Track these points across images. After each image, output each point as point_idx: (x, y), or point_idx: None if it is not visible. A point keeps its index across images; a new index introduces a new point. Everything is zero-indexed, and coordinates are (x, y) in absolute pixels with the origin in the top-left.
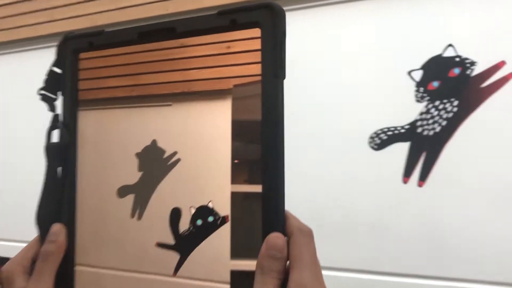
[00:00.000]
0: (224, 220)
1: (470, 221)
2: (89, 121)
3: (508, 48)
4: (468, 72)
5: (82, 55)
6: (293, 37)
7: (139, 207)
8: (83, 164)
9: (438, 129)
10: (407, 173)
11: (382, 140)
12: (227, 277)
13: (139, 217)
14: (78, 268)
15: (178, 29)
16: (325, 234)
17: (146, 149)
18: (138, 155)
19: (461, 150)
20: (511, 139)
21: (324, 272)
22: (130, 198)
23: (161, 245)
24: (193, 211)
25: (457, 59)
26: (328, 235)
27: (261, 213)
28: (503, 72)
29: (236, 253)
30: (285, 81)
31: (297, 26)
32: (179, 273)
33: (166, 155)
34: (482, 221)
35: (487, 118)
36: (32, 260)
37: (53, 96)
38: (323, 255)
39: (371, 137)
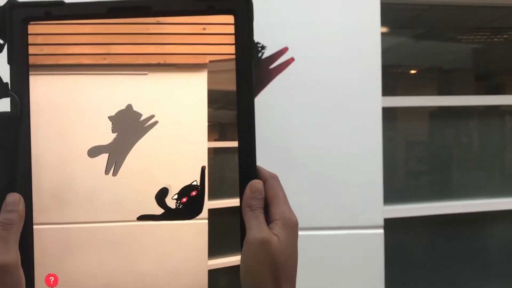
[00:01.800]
0: (203, 186)
1: None
2: (51, 88)
3: (290, 36)
4: (259, 54)
5: (37, 25)
6: None
7: (114, 164)
8: (46, 130)
9: None
10: None
11: None
12: (206, 215)
13: (114, 173)
14: (39, 228)
15: (153, 7)
16: None
17: (120, 112)
18: (111, 118)
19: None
20: (291, 113)
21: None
22: (103, 158)
23: (144, 217)
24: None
25: None
26: None
27: (238, 165)
28: (286, 56)
29: (213, 196)
30: None
31: None
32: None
33: (142, 118)
34: None
35: (273, 94)
36: None
37: None
38: None
39: None
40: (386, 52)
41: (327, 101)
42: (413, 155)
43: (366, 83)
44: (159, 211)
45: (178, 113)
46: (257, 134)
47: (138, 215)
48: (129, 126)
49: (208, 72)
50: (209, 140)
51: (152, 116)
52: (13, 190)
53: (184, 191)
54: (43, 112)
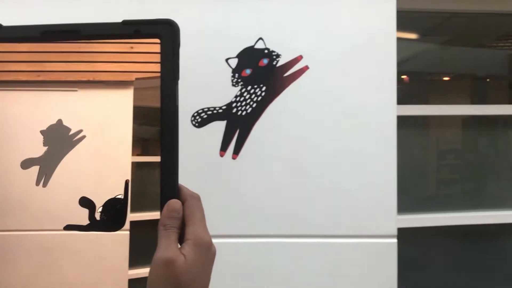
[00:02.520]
0: (126, 200)
1: (272, 188)
2: None
3: (305, 45)
4: (274, 62)
5: None
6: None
7: (44, 176)
8: None
9: (249, 110)
10: (223, 148)
11: (203, 118)
12: (128, 227)
13: (44, 185)
14: None
15: (82, 32)
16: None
17: (51, 127)
18: (42, 132)
19: (267, 129)
20: (305, 120)
21: None
22: (35, 169)
23: (70, 227)
24: (100, 209)
25: (266, 51)
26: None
27: (160, 183)
28: (300, 65)
29: (136, 208)
30: None
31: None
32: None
33: (71, 132)
34: (281, 188)
35: (287, 102)
36: None
37: None
38: None
39: (193, 116)
40: (415, 59)
41: (341, 109)
42: (442, 164)
43: (381, 91)
44: (85, 221)
45: (105, 128)
46: (271, 142)
47: (65, 225)
48: (59, 140)
49: (134, 89)
50: (133, 154)
51: (80, 131)
52: None
53: (109, 204)
54: None
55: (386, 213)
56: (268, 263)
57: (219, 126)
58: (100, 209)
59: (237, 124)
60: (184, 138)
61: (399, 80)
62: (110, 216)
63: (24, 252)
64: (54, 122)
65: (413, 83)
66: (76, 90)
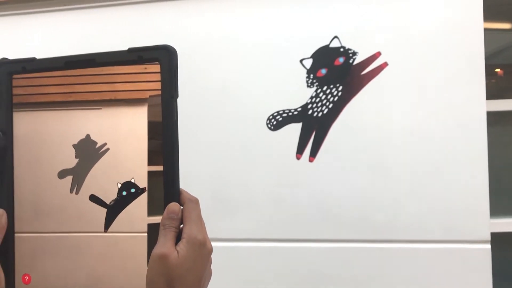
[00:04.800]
0: (143, 190)
1: (352, 190)
2: (30, 123)
3: (383, 41)
4: (350, 61)
5: (16, 76)
6: (195, 26)
7: (77, 185)
8: (26, 157)
9: (326, 111)
10: (300, 150)
11: (278, 121)
12: (145, 228)
13: (77, 192)
14: (19, 236)
15: (97, 60)
16: (227, 209)
17: (82, 141)
18: (74, 146)
19: (345, 129)
20: (386, 119)
21: (227, 244)
22: (69, 179)
23: (94, 199)
24: (119, 185)
25: (342, 49)
26: (230, 209)
27: (163, 188)
28: (379, 62)
29: (151, 212)
30: (192, 67)
31: (199, 15)
32: (109, 229)
33: (97, 145)
34: (362, 190)
35: (366, 101)
36: None
37: None
38: (225, 228)
39: (269, 119)
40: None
41: (424, 106)
42: None
43: (468, 86)
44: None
45: (125, 141)
46: (349, 143)
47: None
48: (88, 152)
49: (149, 106)
50: (149, 164)
51: (105, 144)
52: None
53: (127, 185)
54: (23, 143)
55: (477, 217)
56: (350, 269)
57: (295, 128)
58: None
59: (313, 125)
60: (260, 141)
61: (488, 74)
62: (129, 192)
63: (61, 250)
64: (83, 137)
65: (505, 76)
66: (100, 108)
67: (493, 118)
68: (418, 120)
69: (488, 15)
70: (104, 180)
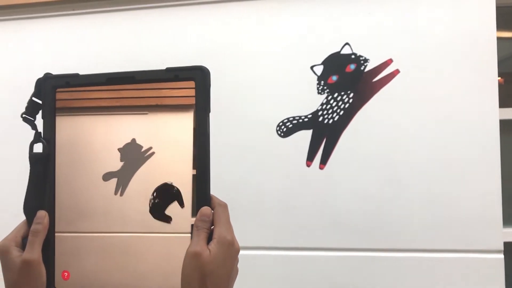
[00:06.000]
0: (178, 191)
1: (363, 198)
2: (75, 128)
3: (395, 47)
4: (362, 68)
5: (59, 89)
6: (206, 34)
7: (121, 187)
8: (70, 161)
9: (336, 118)
10: (310, 157)
11: (288, 128)
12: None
13: (121, 194)
14: (61, 235)
15: (136, 77)
16: (236, 216)
17: (127, 145)
18: (120, 149)
19: (356, 136)
20: (397, 127)
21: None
22: (113, 181)
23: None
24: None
25: (353, 56)
26: (239, 217)
27: (196, 193)
28: (390, 69)
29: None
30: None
31: (211, 22)
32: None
33: (143, 149)
34: (372, 198)
35: (378, 108)
36: (22, 238)
37: (32, 119)
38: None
39: (279, 126)
40: None
41: (436, 114)
42: None
43: (481, 94)
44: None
45: (170, 145)
46: (360, 150)
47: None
48: (133, 156)
49: (194, 112)
50: (194, 168)
51: (150, 148)
52: (42, 208)
53: (161, 189)
54: (68, 147)
55: (490, 226)
56: (361, 278)
57: (305, 135)
58: (154, 194)
59: (324, 132)
60: (270, 148)
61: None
62: (162, 199)
63: (101, 251)
64: (129, 141)
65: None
66: (146, 113)
67: (506, 126)
68: (430, 128)
69: (501, 23)
70: (149, 183)
